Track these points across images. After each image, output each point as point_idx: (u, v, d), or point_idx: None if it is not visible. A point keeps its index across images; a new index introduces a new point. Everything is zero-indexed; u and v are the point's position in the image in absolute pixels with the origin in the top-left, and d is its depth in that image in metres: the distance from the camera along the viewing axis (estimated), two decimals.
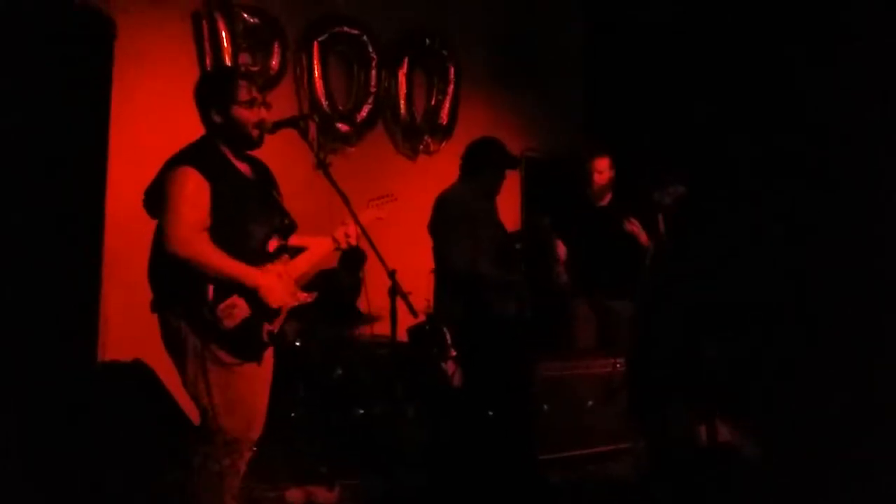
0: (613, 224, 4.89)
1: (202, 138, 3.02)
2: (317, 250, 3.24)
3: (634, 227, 4.86)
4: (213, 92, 3.04)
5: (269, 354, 3.10)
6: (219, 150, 2.99)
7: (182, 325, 2.83)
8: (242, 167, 3.06)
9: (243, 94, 3.00)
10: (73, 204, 3.80)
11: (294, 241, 3.20)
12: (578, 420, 4.53)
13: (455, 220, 4.63)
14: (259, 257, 2.96)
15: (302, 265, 3.17)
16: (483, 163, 4.67)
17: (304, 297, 3.11)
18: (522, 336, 4.68)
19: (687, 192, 4.73)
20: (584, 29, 7.22)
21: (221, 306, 2.82)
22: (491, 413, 4.48)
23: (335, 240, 3.28)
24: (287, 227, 3.15)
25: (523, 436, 4.38)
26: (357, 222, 3.21)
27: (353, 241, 3.29)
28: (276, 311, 2.98)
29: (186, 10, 5.31)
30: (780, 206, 5.25)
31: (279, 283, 2.99)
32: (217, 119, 2.98)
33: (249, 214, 2.98)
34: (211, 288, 2.81)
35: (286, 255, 3.11)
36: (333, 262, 5.52)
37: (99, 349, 4.43)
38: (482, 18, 6.68)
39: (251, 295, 2.90)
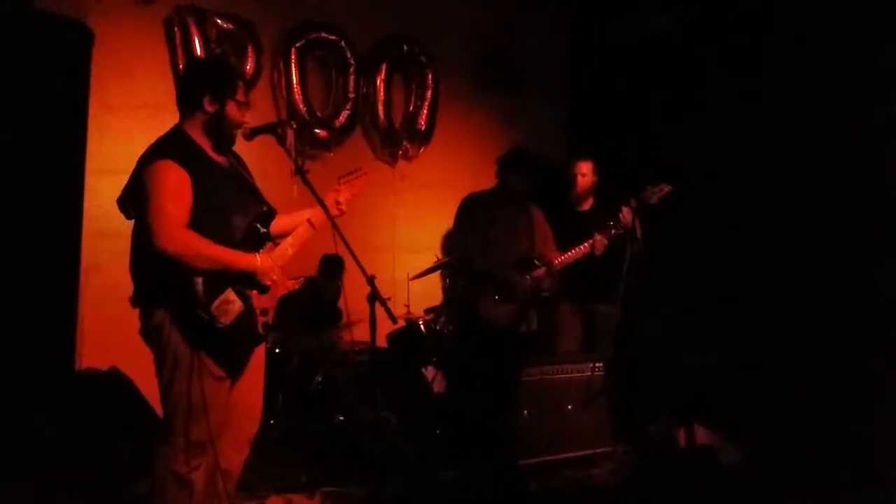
0: (595, 228, 4.91)
1: (174, 131, 2.98)
2: (298, 235, 3.18)
3: (625, 216, 4.88)
4: (216, 79, 3.00)
5: (260, 352, 3.10)
6: (194, 141, 2.96)
7: (167, 325, 2.80)
8: (219, 158, 3.04)
9: (240, 94, 3.02)
10: (50, 211, 3.77)
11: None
12: (558, 424, 4.54)
13: (464, 218, 4.85)
14: (241, 247, 2.94)
15: (287, 251, 3.12)
16: (505, 169, 4.85)
17: (292, 285, 3.10)
18: (518, 343, 4.72)
19: (672, 189, 4.76)
20: (565, 35, 7.25)
21: (216, 303, 2.80)
22: (472, 417, 4.49)
23: (310, 222, 3.21)
24: (267, 215, 3.13)
25: (504, 441, 4.39)
26: (335, 227, 3.18)
27: (345, 209, 3.26)
28: (268, 291, 2.98)
29: (161, 17, 5.28)
30: (761, 211, 5.29)
31: (271, 263, 2.99)
32: (210, 108, 2.94)
33: (230, 205, 2.96)
34: (201, 286, 2.78)
35: (269, 244, 3.09)
36: (312, 271, 5.51)
37: (77, 357, 4.40)
38: (461, 25, 6.68)
39: (247, 282, 2.89)
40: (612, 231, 4.76)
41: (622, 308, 4.89)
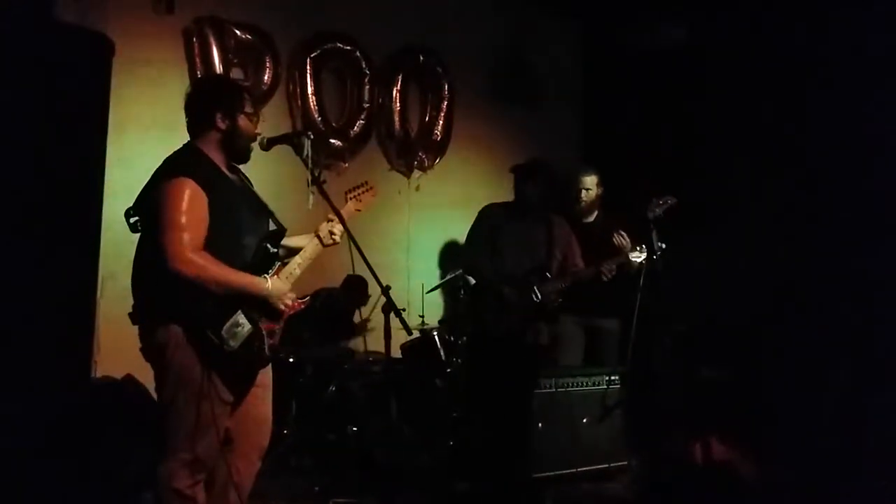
0: (600, 240, 4.89)
1: (190, 147, 2.98)
2: (306, 253, 3.18)
3: (622, 239, 4.84)
4: (225, 96, 3.02)
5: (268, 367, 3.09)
6: (208, 158, 2.96)
7: (172, 343, 2.78)
8: (231, 176, 3.05)
9: (248, 107, 3.04)
10: (69, 220, 3.79)
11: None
12: (573, 438, 4.52)
13: (475, 229, 4.98)
14: (252, 267, 2.94)
15: (294, 271, 3.11)
16: (520, 180, 4.94)
17: (298, 305, 3.08)
18: (527, 354, 4.72)
19: (678, 203, 4.72)
20: (581, 47, 7.25)
21: (226, 325, 2.79)
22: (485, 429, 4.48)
23: (319, 238, 3.22)
24: (276, 234, 3.12)
25: (518, 453, 4.37)
26: (351, 239, 3.18)
27: (338, 240, 3.24)
28: (279, 318, 2.98)
29: (180, 27, 5.31)
30: (778, 223, 5.26)
31: (283, 288, 2.99)
32: (222, 125, 2.95)
33: (243, 225, 2.95)
34: (212, 308, 2.77)
35: (278, 263, 3.08)
36: (323, 281, 5.51)
37: (93, 366, 4.41)
38: (477, 35, 6.69)
39: (258, 306, 2.88)
40: (615, 261, 4.79)
41: (637, 321, 4.86)
